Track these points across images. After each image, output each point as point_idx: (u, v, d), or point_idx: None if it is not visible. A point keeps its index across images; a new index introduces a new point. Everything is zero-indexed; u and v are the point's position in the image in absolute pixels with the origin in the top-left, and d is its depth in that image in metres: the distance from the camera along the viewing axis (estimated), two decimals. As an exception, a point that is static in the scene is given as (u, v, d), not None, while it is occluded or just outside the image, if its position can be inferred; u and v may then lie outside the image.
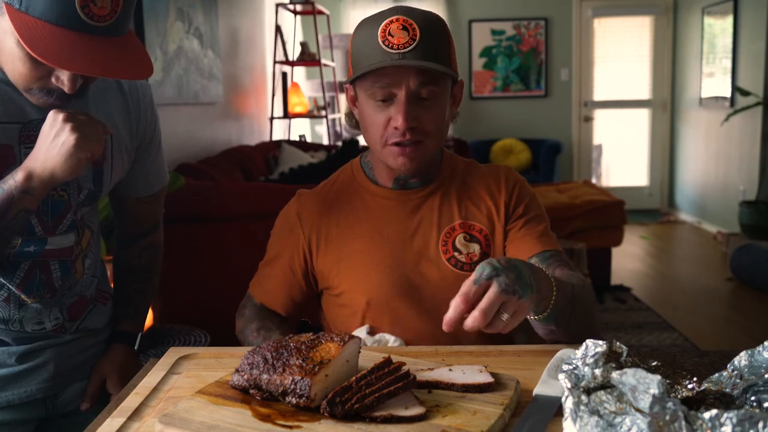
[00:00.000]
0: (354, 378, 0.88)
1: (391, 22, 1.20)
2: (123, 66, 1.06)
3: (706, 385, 0.88)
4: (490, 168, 1.40)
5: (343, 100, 5.93)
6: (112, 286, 1.49)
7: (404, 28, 1.19)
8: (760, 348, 0.87)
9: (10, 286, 1.21)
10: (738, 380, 0.87)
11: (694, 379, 0.87)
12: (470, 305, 0.94)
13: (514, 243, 1.33)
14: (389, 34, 1.19)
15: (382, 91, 1.22)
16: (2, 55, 1.09)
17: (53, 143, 1.06)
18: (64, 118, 1.06)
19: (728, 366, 0.89)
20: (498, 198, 1.35)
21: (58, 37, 0.99)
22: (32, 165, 1.09)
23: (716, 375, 0.89)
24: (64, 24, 0.99)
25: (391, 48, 1.19)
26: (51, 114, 1.08)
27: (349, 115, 1.37)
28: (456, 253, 1.32)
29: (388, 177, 1.35)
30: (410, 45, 1.19)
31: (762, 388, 0.83)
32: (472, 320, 0.93)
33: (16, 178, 1.09)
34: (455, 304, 0.95)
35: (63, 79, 1.07)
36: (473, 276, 0.96)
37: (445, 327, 0.96)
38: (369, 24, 1.23)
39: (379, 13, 1.24)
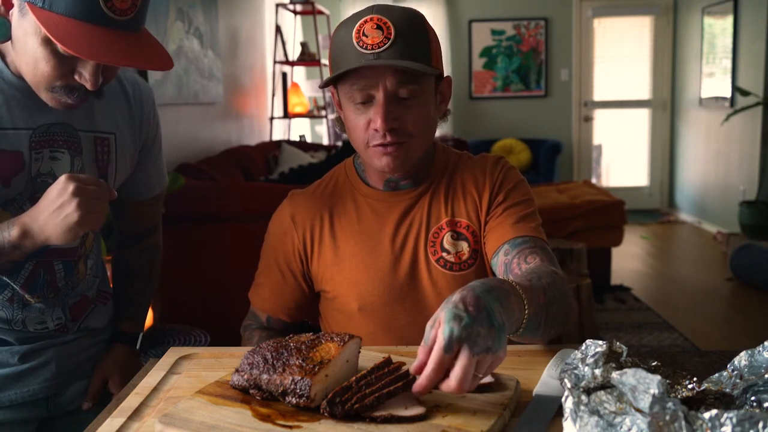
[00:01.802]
0: (354, 378, 0.88)
1: (366, 21, 1.17)
2: (147, 57, 1.08)
3: (706, 385, 0.88)
4: (480, 159, 1.36)
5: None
6: (111, 286, 1.49)
7: (378, 27, 1.16)
8: (760, 348, 0.87)
9: (15, 286, 1.21)
10: (738, 380, 0.87)
11: (694, 379, 0.87)
12: (444, 373, 0.84)
13: (490, 232, 1.28)
14: (363, 34, 1.16)
15: (361, 94, 1.19)
16: (23, 57, 1.09)
17: (56, 213, 1.06)
18: (73, 191, 1.06)
19: (728, 366, 0.89)
20: (483, 190, 1.31)
21: (83, 31, 1.00)
22: (30, 224, 1.09)
23: (716, 375, 0.89)
24: (87, 18, 1.01)
25: (366, 48, 1.16)
26: (63, 180, 1.07)
27: (338, 119, 1.34)
28: (444, 254, 1.29)
29: (379, 179, 1.33)
30: (385, 44, 1.15)
31: (762, 388, 0.83)
32: (449, 389, 0.83)
33: (11, 233, 1.09)
34: (427, 375, 0.83)
35: (86, 75, 1.08)
36: (441, 342, 0.83)
37: (417, 393, 0.85)
38: (346, 25, 1.21)
39: (356, 13, 1.21)
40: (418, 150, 1.25)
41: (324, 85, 1.23)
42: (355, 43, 1.17)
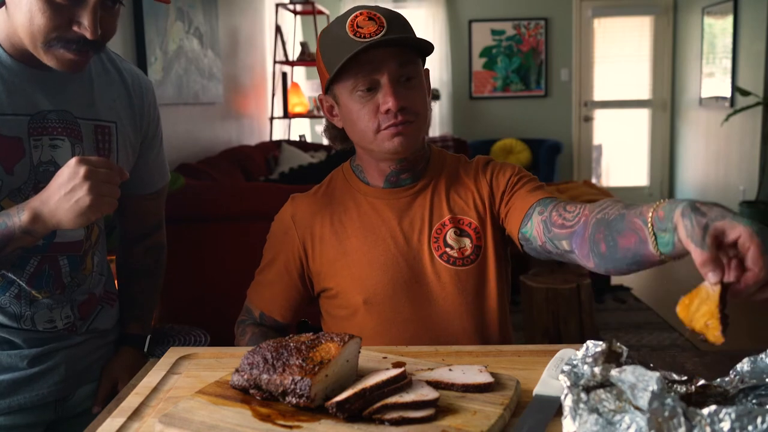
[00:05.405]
0: (369, 386, 0.87)
1: (356, 16, 1.22)
2: None
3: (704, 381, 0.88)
4: (473, 161, 1.41)
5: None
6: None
7: (370, 18, 1.22)
8: (762, 355, 0.86)
9: (21, 282, 1.21)
10: (740, 384, 0.86)
11: (694, 380, 0.87)
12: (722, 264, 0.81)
13: (513, 207, 1.30)
14: (358, 26, 1.21)
15: (365, 80, 1.23)
16: (19, 16, 1.09)
17: (67, 197, 1.06)
18: (84, 174, 1.05)
19: (730, 372, 0.88)
20: (481, 188, 1.35)
21: None
22: (40, 209, 1.08)
23: (717, 380, 0.89)
24: None
25: (364, 37, 1.20)
26: (73, 163, 1.06)
27: (329, 127, 1.37)
28: (447, 249, 1.32)
29: (379, 176, 1.35)
30: (381, 31, 1.20)
31: (763, 392, 0.83)
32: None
33: (22, 217, 1.08)
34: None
35: (85, 23, 1.08)
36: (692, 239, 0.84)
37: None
38: (333, 27, 1.25)
39: (339, 17, 1.26)
40: (422, 131, 1.31)
41: (328, 85, 1.27)
42: (352, 36, 1.21)
